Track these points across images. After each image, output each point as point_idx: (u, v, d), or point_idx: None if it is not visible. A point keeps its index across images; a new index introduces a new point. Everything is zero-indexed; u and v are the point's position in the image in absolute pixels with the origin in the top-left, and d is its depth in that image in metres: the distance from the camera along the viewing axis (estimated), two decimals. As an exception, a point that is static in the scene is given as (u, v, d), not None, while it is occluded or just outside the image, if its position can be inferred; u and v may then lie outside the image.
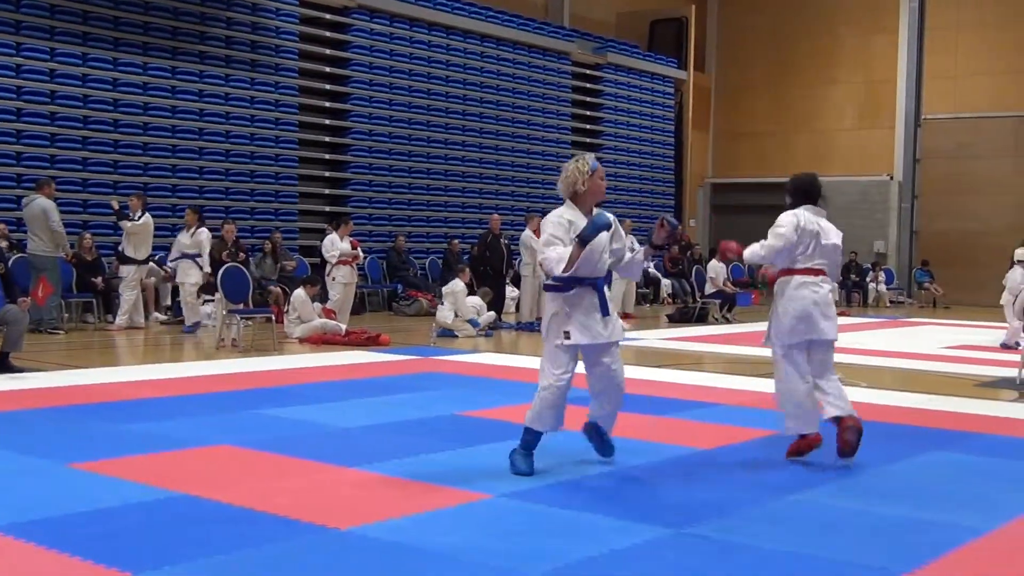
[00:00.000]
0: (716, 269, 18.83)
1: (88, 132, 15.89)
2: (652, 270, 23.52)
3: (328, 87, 19.46)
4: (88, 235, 15.02)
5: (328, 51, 19.44)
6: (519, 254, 18.14)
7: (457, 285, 14.55)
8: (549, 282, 6.01)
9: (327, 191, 19.49)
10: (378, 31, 20.14)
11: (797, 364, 6.40)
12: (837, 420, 6.29)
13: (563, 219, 5.84)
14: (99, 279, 14.78)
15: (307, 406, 8.12)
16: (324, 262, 15.03)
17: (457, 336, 14.18)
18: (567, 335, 5.83)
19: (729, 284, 19.42)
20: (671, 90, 28.15)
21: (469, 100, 21.93)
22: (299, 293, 13.54)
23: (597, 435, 6.24)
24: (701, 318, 18.40)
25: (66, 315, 14.26)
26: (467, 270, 15.60)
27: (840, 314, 22.43)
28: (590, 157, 6.01)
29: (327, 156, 19.53)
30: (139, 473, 5.67)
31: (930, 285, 25.50)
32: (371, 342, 12.97)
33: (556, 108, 24.15)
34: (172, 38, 16.92)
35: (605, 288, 5.94)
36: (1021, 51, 25.92)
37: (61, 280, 13.79)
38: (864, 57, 28.00)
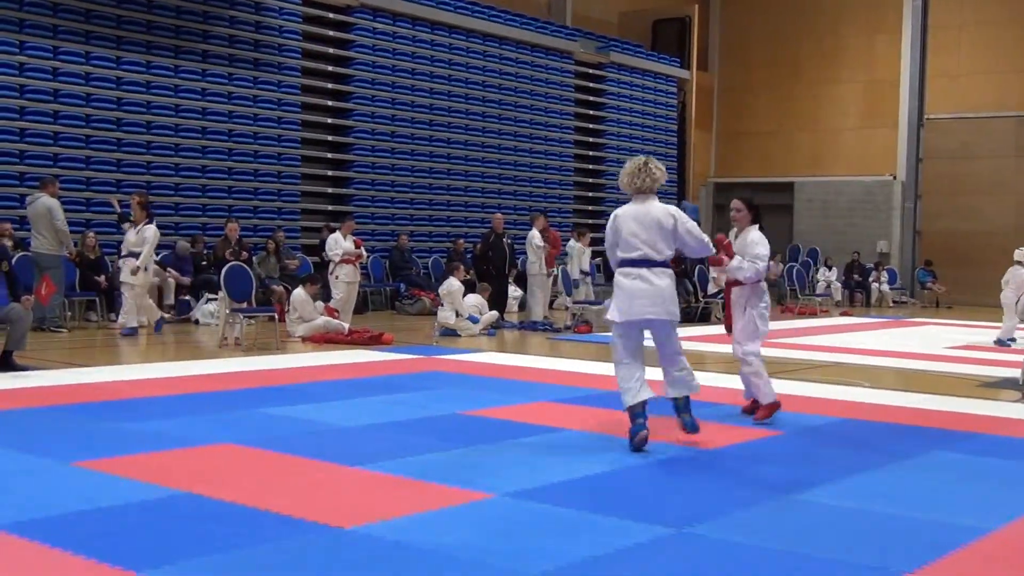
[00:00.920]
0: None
1: (91, 130, 15.90)
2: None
3: (331, 86, 19.48)
4: (91, 234, 15.03)
5: (331, 50, 19.45)
6: (522, 253, 18.15)
7: (452, 284, 14.54)
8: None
9: (330, 190, 19.50)
10: (381, 30, 20.15)
11: None
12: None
13: None
14: (102, 278, 14.79)
15: (310, 405, 8.12)
16: (324, 261, 15.02)
17: (460, 335, 14.19)
18: None
19: (732, 284, 19.39)
20: (674, 90, 28.14)
21: (472, 99, 21.93)
22: (299, 292, 13.54)
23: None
24: (704, 317, 18.41)
25: (69, 314, 14.27)
26: (460, 267, 15.59)
27: (843, 314, 22.38)
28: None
29: (330, 155, 19.54)
30: (141, 472, 5.68)
31: (933, 285, 25.49)
32: (374, 341, 12.97)
33: (559, 107, 24.15)
34: (175, 37, 16.94)
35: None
36: (1024, 50, 25.94)
37: (64, 279, 13.79)
38: (867, 57, 27.98)
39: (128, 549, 4.32)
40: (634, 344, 6.73)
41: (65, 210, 13.80)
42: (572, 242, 18.93)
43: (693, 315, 18.51)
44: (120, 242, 14.64)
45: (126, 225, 14.09)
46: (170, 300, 15.83)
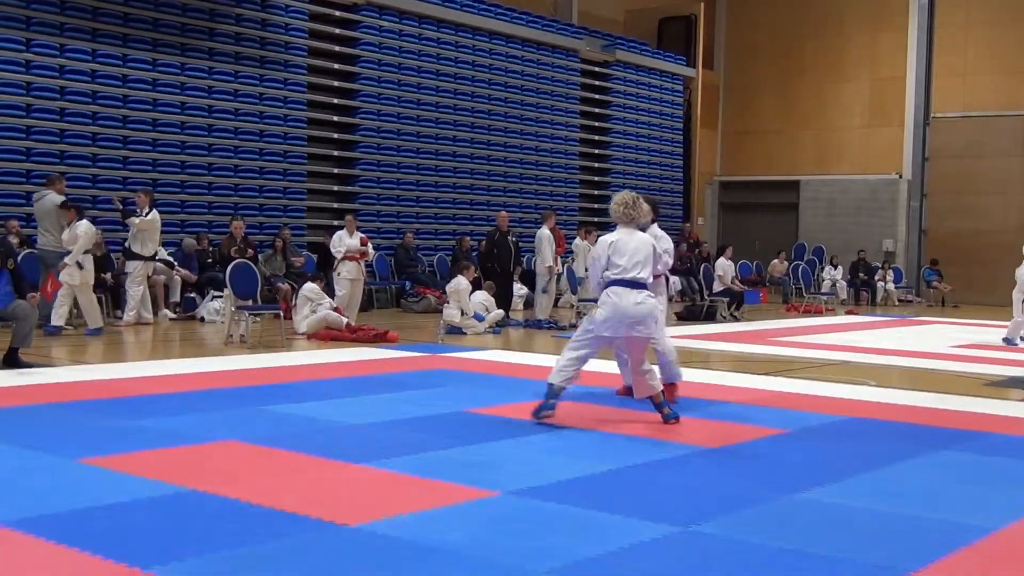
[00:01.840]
0: (724, 267, 18.82)
1: (97, 128, 15.92)
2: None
3: (337, 84, 19.48)
4: (97, 231, 15.04)
5: (337, 48, 19.46)
6: (527, 251, 18.15)
7: (461, 283, 14.55)
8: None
9: (335, 188, 19.52)
10: (387, 28, 20.15)
11: None
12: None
13: None
14: (108, 275, 14.81)
15: (315, 402, 8.13)
16: (327, 259, 15.00)
17: (465, 333, 14.19)
18: None
19: (737, 282, 19.41)
20: (679, 88, 28.12)
21: (478, 97, 21.93)
22: (310, 284, 13.57)
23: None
24: (709, 316, 18.39)
25: (74, 311, 14.28)
26: (471, 267, 15.59)
27: (848, 313, 22.37)
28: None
29: (336, 153, 19.55)
30: (147, 469, 5.69)
31: (938, 284, 25.45)
32: (379, 339, 12.98)
33: (565, 105, 24.15)
34: (181, 34, 16.95)
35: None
36: (1031, 49, 25.90)
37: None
38: (873, 55, 27.95)
39: (135, 546, 4.33)
40: (598, 345, 7.62)
41: (72, 208, 13.82)
42: (578, 240, 18.93)
43: (699, 313, 18.50)
44: (125, 239, 14.68)
45: (135, 220, 14.13)
46: (176, 298, 15.86)
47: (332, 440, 6.67)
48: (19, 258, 10.78)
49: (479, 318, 14.51)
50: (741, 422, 7.76)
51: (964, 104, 26.65)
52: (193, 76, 17.06)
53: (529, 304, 18.20)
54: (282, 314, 13.24)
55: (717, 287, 18.81)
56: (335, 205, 19.21)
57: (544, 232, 16.87)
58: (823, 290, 23.58)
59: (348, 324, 13.48)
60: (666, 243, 8.54)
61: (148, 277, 14.57)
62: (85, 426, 6.95)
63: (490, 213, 20.81)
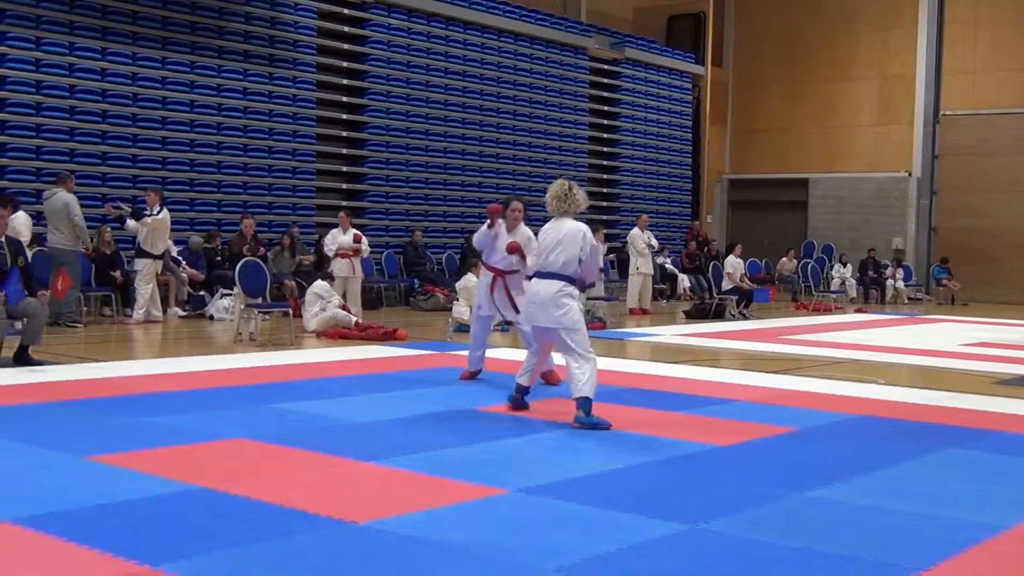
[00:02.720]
0: (733, 265, 18.79)
1: (107, 126, 15.96)
2: (669, 266, 23.50)
3: (346, 82, 19.50)
4: (107, 229, 15.09)
5: (346, 46, 19.48)
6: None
7: (470, 280, 14.52)
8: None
9: (344, 186, 19.54)
10: (396, 26, 20.16)
11: None
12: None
13: None
14: (118, 273, 14.85)
15: (324, 400, 8.14)
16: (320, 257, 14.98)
17: (474, 331, 14.16)
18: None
19: (746, 280, 19.38)
20: (688, 85, 28.10)
21: (486, 95, 21.93)
22: (321, 283, 13.59)
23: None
24: (718, 314, 18.36)
25: (85, 309, 14.33)
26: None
27: (857, 311, 22.29)
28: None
29: (344, 151, 19.57)
30: (156, 466, 5.70)
31: (948, 282, 25.38)
32: (388, 337, 12.99)
33: (573, 104, 24.14)
34: (191, 33, 16.98)
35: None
36: (1041, 47, 25.82)
37: (80, 274, 13.84)
38: (882, 53, 27.88)
39: (143, 543, 4.33)
40: (532, 337, 7.92)
41: (81, 205, 13.85)
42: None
43: (707, 311, 18.48)
44: (133, 237, 14.69)
45: (148, 220, 14.17)
46: (182, 296, 15.87)
47: (341, 438, 6.68)
48: (29, 256, 10.81)
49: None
50: (750, 420, 7.75)
51: (973, 102, 26.58)
52: (202, 74, 17.09)
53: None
54: (291, 312, 13.26)
55: (726, 285, 18.77)
56: (344, 203, 19.20)
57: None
58: (832, 288, 23.53)
59: (357, 322, 13.51)
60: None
61: (157, 275, 14.61)
62: (94, 423, 6.97)
63: (499, 211, 20.78)
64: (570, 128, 24.01)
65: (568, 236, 7.54)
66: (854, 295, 24.26)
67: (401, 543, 4.44)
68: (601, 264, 18.71)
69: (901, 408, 8.51)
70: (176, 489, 5.23)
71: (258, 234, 16.56)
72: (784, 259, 25.56)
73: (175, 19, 16.77)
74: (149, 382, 8.90)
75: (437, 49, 20.95)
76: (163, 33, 16.65)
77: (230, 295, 14.72)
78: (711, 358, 12.24)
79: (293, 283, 15.49)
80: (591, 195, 24.60)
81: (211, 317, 15.19)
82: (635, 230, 19.25)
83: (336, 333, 13.12)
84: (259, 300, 12.82)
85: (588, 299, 17.11)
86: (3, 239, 9.67)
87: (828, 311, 21.09)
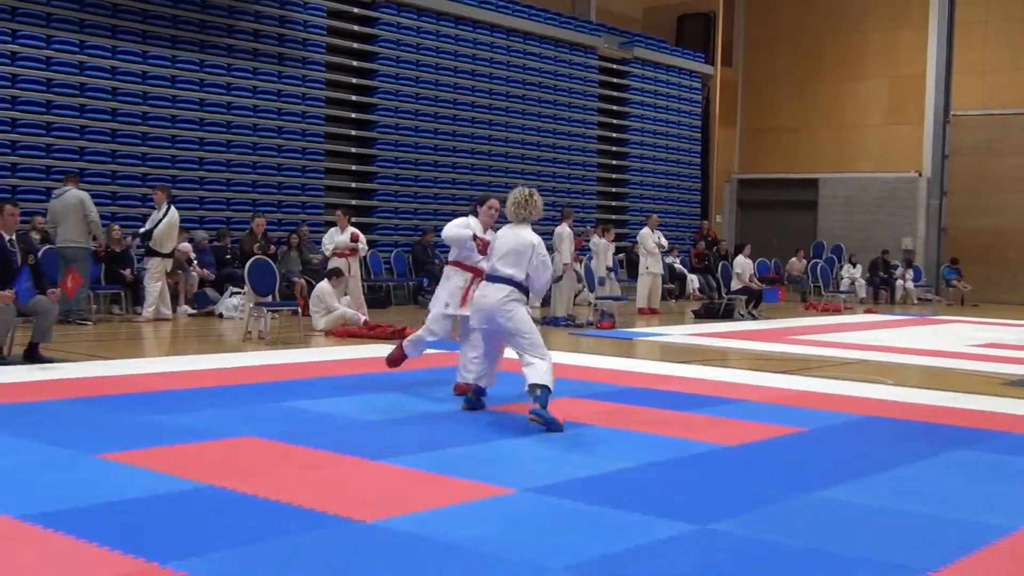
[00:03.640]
0: (743, 265, 18.76)
1: (116, 125, 16.00)
2: (678, 265, 23.48)
3: (355, 81, 19.52)
4: (116, 227, 15.14)
5: (355, 45, 19.50)
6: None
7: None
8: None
9: (353, 184, 19.56)
10: (405, 25, 20.18)
11: None
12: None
13: None
14: (127, 271, 14.88)
15: (332, 399, 8.15)
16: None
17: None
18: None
19: (755, 280, 19.35)
20: (698, 85, 28.07)
21: (495, 95, 21.94)
22: (323, 286, 13.60)
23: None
24: (727, 314, 18.33)
25: (94, 306, 14.37)
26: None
27: (867, 311, 22.23)
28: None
29: (353, 150, 19.59)
30: (165, 464, 5.71)
31: (958, 282, 25.32)
32: (396, 335, 12.98)
33: (583, 103, 24.13)
34: (200, 31, 17.02)
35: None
36: (1052, 47, 25.73)
37: (90, 271, 13.89)
38: (892, 52, 27.82)
39: (152, 541, 4.34)
40: (482, 339, 7.91)
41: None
42: (596, 238, 18.93)
43: (716, 311, 18.46)
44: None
45: (160, 225, 14.23)
46: (191, 294, 15.90)
47: (349, 436, 6.69)
48: (39, 254, 10.84)
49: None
50: (759, 420, 7.73)
51: (984, 101, 26.50)
52: (212, 73, 17.12)
53: (547, 301, 18.17)
54: (300, 310, 13.28)
55: (735, 285, 18.74)
56: (353, 202, 19.24)
57: (564, 229, 16.85)
58: (842, 288, 23.49)
59: (365, 321, 13.53)
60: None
61: (167, 273, 14.64)
62: (104, 421, 6.99)
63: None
64: (579, 128, 24.00)
65: (521, 245, 7.51)
66: (864, 296, 24.22)
67: (408, 542, 4.44)
68: (611, 263, 18.78)
69: (910, 409, 8.48)
70: (185, 487, 5.24)
71: (268, 232, 16.59)
72: (793, 259, 25.52)
73: (185, 18, 16.80)
74: (158, 380, 8.92)
75: (446, 48, 20.96)
76: (173, 32, 16.68)
77: (240, 293, 14.75)
78: (720, 358, 12.22)
79: (302, 281, 15.50)
80: (600, 195, 24.72)
81: (220, 315, 15.22)
82: (645, 229, 19.25)
83: (344, 332, 13.14)
84: (268, 298, 12.84)
85: (598, 298, 17.14)
86: (13, 237, 9.71)
87: (837, 311, 21.05)
